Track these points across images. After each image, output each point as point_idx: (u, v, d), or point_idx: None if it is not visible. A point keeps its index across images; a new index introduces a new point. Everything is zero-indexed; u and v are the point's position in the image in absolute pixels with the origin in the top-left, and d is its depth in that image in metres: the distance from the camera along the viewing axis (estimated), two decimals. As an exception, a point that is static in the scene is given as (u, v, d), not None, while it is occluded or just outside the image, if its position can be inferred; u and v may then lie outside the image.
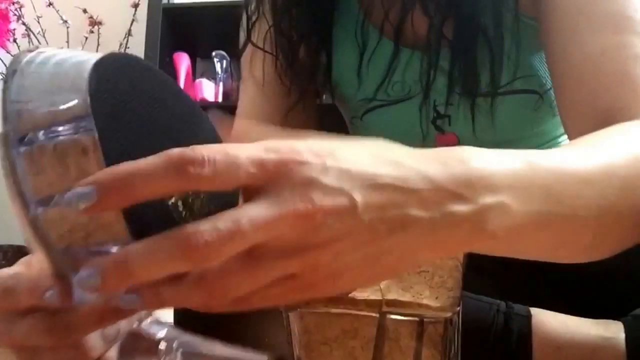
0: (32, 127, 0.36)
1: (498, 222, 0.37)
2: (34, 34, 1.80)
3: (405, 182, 0.35)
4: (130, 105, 0.38)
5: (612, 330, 0.61)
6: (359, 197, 0.34)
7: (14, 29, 1.78)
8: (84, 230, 0.36)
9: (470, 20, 0.72)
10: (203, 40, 2.12)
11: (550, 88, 0.78)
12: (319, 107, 0.89)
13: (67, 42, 1.79)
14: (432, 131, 0.82)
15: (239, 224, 0.33)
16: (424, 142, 0.82)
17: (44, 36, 1.80)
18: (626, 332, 0.61)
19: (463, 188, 0.36)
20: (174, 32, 2.04)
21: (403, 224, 0.35)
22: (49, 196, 0.36)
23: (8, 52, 1.78)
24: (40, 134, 0.36)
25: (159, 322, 0.46)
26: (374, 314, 0.42)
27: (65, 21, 1.78)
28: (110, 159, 0.35)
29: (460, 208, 0.36)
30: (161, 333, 0.45)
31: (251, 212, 0.33)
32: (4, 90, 0.37)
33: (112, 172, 0.33)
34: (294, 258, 0.34)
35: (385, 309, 0.42)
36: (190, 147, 0.33)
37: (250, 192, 0.35)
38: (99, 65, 0.37)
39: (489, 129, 0.79)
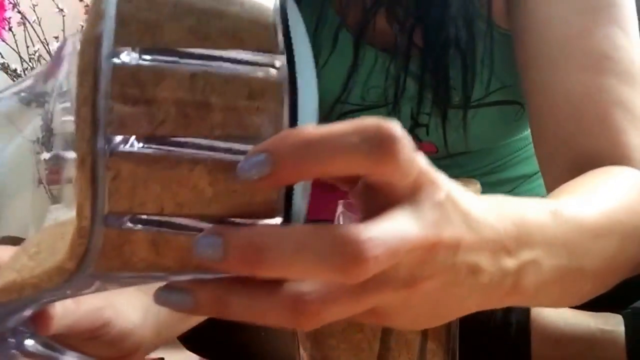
0: (145, 42, 0.28)
1: (532, 278, 0.37)
2: (29, 23, 1.78)
3: (489, 229, 0.34)
4: (302, 61, 0.31)
5: (612, 323, 0.61)
6: (464, 234, 0.32)
7: (10, 17, 1.77)
8: (172, 199, 0.27)
9: (439, 28, 0.70)
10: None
11: None
12: None
13: (63, 30, 1.78)
14: None
15: (403, 242, 0.28)
16: None
17: (39, 24, 1.79)
18: (626, 325, 0.61)
19: (513, 242, 0.35)
20: (170, 21, 2.03)
21: (475, 271, 0.33)
22: (141, 137, 0.27)
23: (4, 40, 1.77)
24: (161, 53, 0.28)
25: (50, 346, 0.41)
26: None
27: (61, 10, 1.77)
28: (295, 116, 0.28)
29: (508, 263, 0.35)
30: None
31: (406, 230, 0.29)
32: None
33: (297, 138, 0.27)
34: (398, 291, 0.31)
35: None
36: (384, 121, 0.28)
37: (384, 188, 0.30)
38: (287, 5, 0.29)
39: (462, 140, 0.78)
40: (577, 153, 0.62)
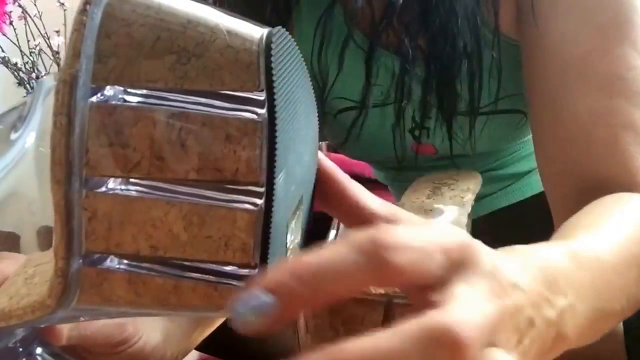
0: (124, 80, 0.27)
1: (571, 324, 0.36)
2: (30, 17, 1.78)
3: (529, 283, 0.34)
4: (292, 96, 0.31)
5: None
6: (516, 296, 0.32)
7: (11, 11, 1.77)
8: (147, 241, 0.27)
9: (445, 36, 0.69)
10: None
11: None
12: None
13: (65, 24, 1.78)
14: (408, 140, 0.80)
15: (489, 320, 0.29)
16: (398, 150, 0.79)
17: (40, 18, 1.79)
18: (625, 317, 0.61)
19: (549, 291, 0.35)
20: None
21: (531, 325, 0.33)
22: (121, 178, 0.27)
23: (4, 34, 1.77)
24: (137, 92, 0.27)
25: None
26: (381, 300, 0.42)
27: (62, 4, 1.76)
28: (272, 160, 0.28)
29: (549, 312, 0.35)
30: None
31: (486, 310, 0.29)
32: (82, 17, 0.27)
33: (297, 272, 0.27)
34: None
35: (393, 294, 0.42)
36: (377, 228, 0.28)
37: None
38: (273, 42, 0.28)
39: (465, 145, 0.78)
40: (586, 177, 0.61)
